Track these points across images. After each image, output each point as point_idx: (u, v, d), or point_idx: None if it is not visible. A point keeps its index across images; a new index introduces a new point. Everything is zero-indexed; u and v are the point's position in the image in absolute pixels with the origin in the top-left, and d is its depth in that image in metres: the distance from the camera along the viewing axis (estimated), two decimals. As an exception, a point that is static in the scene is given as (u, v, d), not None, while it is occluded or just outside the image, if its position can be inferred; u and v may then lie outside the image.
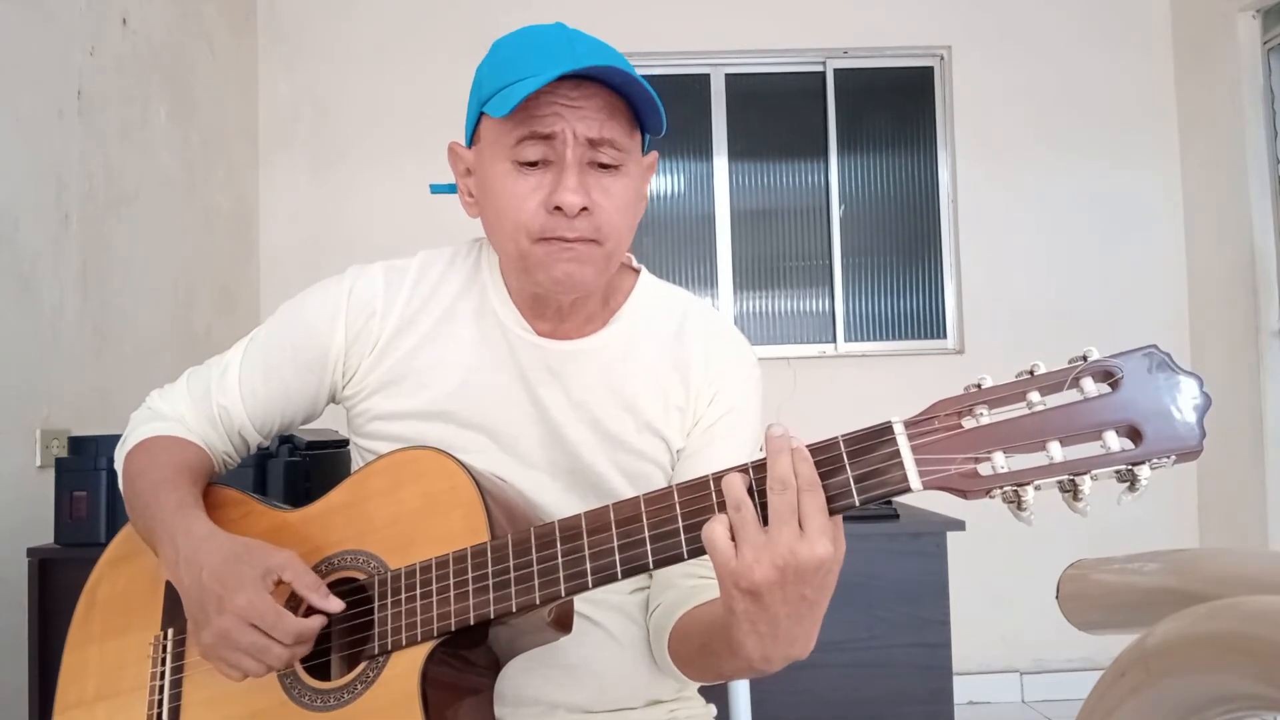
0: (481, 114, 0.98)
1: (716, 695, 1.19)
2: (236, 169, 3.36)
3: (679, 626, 0.98)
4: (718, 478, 0.79)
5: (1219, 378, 3.33)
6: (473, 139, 1.01)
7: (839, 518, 0.75)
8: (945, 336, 3.65)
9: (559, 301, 1.02)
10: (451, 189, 1.08)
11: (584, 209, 0.93)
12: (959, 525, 1.82)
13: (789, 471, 0.74)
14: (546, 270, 0.96)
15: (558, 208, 0.93)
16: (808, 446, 0.76)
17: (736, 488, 0.75)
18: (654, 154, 1.06)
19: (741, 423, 1.07)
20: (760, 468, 0.77)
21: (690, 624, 0.97)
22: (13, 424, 2.06)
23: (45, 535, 1.77)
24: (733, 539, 0.74)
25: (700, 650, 0.93)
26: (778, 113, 3.71)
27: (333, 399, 1.10)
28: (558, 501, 1.02)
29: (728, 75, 3.68)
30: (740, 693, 1.32)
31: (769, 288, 3.68)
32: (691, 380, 1.06)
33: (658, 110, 0.95)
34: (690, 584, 1.00)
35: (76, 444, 1.79)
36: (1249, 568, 0.78)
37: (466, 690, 0.90)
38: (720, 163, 3.68)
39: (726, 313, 3.63)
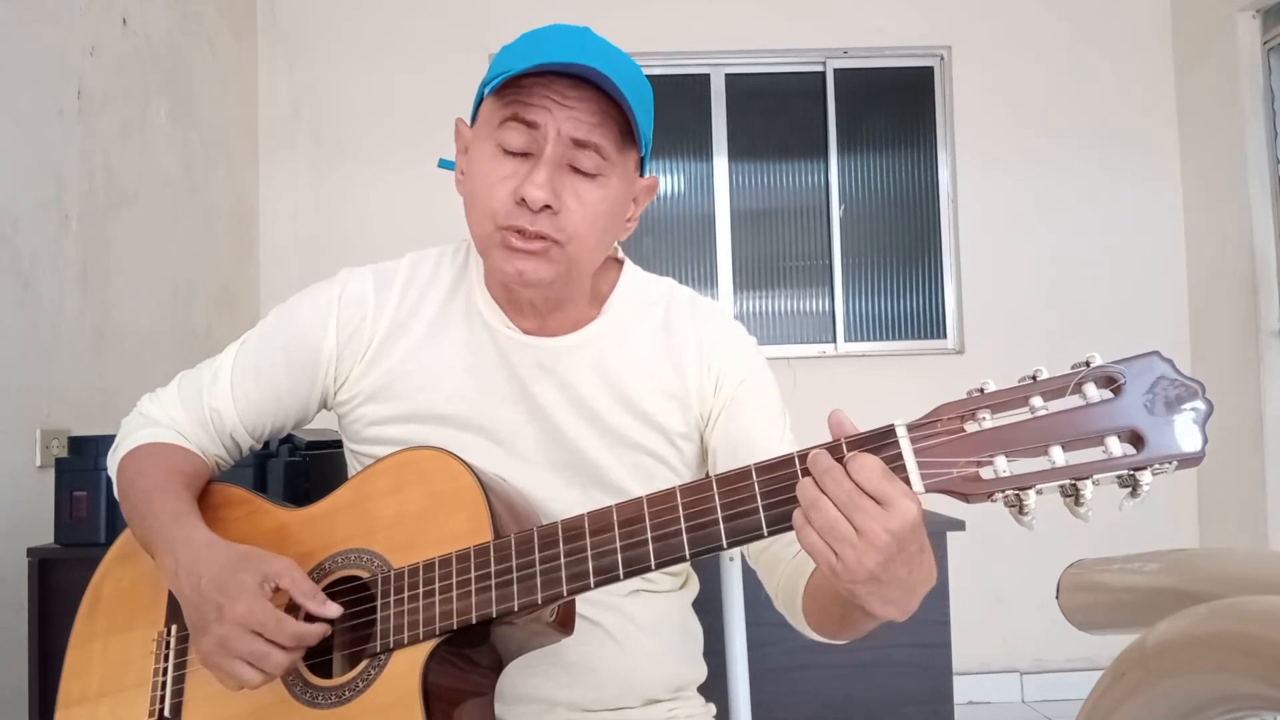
0: (484, 96, 0.98)
1: (716, 695, 1.19)
2: (236, 169, 3.36)
3: (808, 603, 0.96)
4: (720, 478, 0.79)
5: (1219, 378, 3.33)
6: (475, 117, 1.02)
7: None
8: (945, 336, 3.66)
9: (530, 297, 1.02)
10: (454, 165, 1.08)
11: (548, 207, 0.93)
12: (959, 525, 1.82)
13: (829, 459, 0.73)
14: (500, 263, 0.97)
15: (523, 199, 0.93)
16: (811, 448, 0.76)
17: (809, 490, 0.73)
18: (654, 179, 1.06)
19: (760, 388, 1.07)
20: (773, 467, 0.77)
21: (818, 601, 0.94)
22: (13, 424, 2.06)
23: (45, 535, 1.77)
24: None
25: (841, 623, 0.92)
26: (778, 113, 3.71)
27: (324, 405, 1.10)
28: (560, 498, 1.02)
29: (728, 75, 3.68)
30: (740, 693, 1.32)
31: (769, 288, 3.68)
32: (686, 367, 1.06)
33: (645, 120, 0.96)
34: (792, 551, 0.99)
35: (76, 444, 1.79)
36: (1249, 568, 0.78)
37: (468, 689, 0.90)
38: (720, 163, 3.68)
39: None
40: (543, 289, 0.99)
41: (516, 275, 0.96)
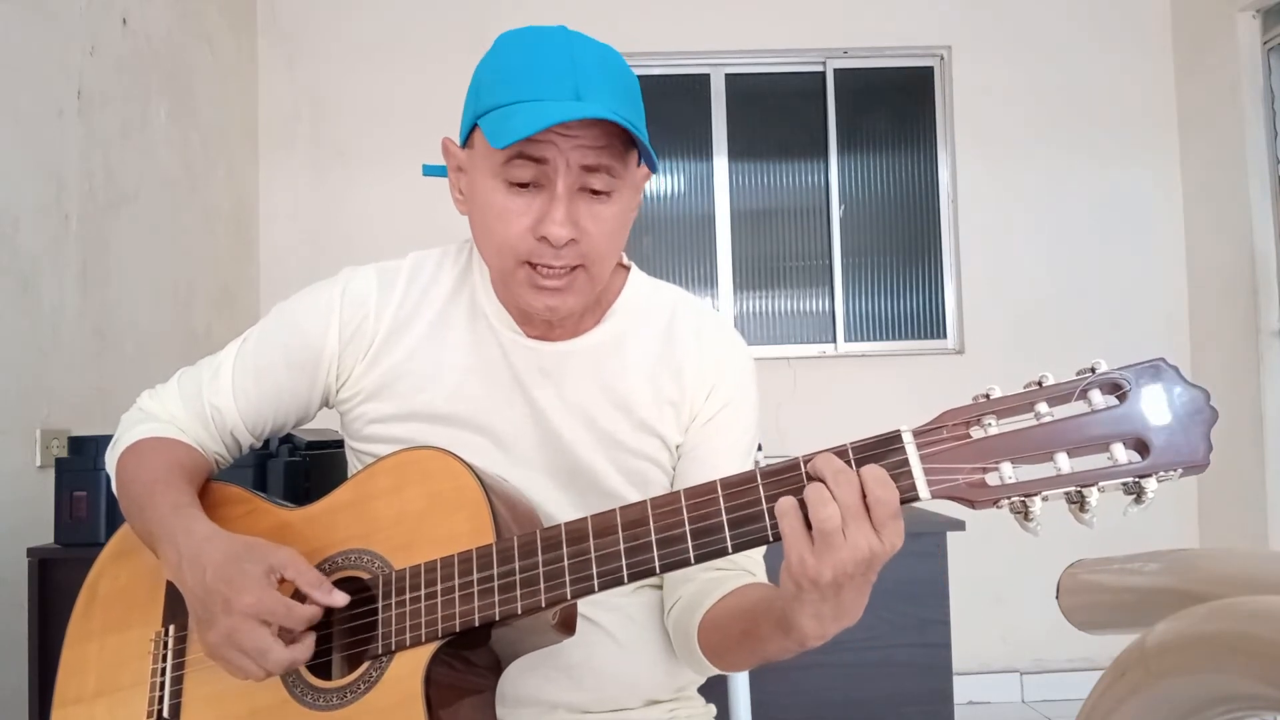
0: (476, 125, 0.96)
1: (716, 695, 1.19)
2: (236, 169, 3.36)
3: (710, 617, 0.97)
4: (725, 483, 0.79)
5: (1219, 378, 3.33)
6: (467, 140, 1.00)
7: None
8: (945, 336, 3.66)
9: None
10: (443, 171, 1.07)
11: (571, 240, 0.93)
12: (959, 525, 1.82)
13: (842, 462, 0.74)
14: (528, 300, 0.97)
15: (544, 237, 0.92)
16: (816, 453, 0.76)
17: (823, 495, 0.73)
18: (646, 170, 1.05)
19: (739, 416, 1.07)
20: (778, 472, 0.77)
21: (723, 614, 0.96)
22: (13, 424, 2.06)
23: (45, 535, 1.77)
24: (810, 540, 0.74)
25: (742, 637, 0.93)
26: (778, 113, 3.71)
27: (326, 403, 1.09)
28: (555, 501, 1.02)
29: (728, 75, 3.68)
30: (740, 693, 1.32)
31: (769, 288, 3.68)
32: (685, 375, 1.06)
33: (643, 122, 0.95)
34: (709, 576, 1.00)
35: (76, 444, 1.79)
36: (1249, 568, 0.78)
37: (469, 691, 0.90)
38: (720, 163, 3.68)
39: (726, 313, 3.63)
40: (570, 314, 1.00)
41: (547, 311, 0.97)
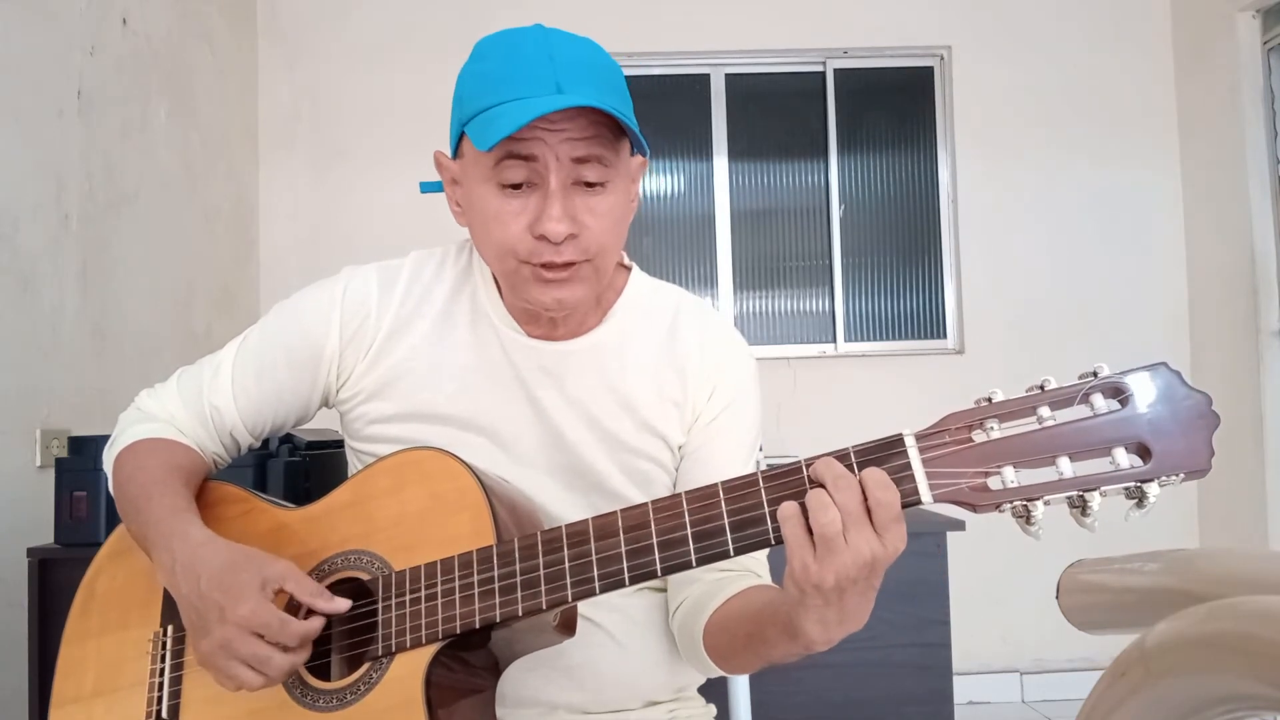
0: (464, 133, 0.96)
1: (716, 695, 1.19)
2: (236, 169, 3.36)
3: (715, 620, 0.97)
4: (727, 486, 0.79)
5: (1219, 378, 3.33)
6: (457, 150, 1.00)
7: None
8: (945, 336, 3.65)
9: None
10: (440, 187, 1.07)
11: (570, 235, 0.93)
12: (959, 525, 1.82)
13: (842, 467, 0.74)
14: (535, 295, 0.96)
15: (543, 235, 0.92)
16: (817, 456, 0.76)
17: (824, 500, 0.73)
18: (641, 158, 1.05)
19: (741, 418, 1.07)
20: (779, 475, 0.77)
21: (729, 617, 0.96)
22: (13, 424, 2.06)
23: (45, 535, 1.77)
24: (812, 545, 0.74)
25: (748, 640, 0.93)
26: (778, 113, 3.71)
27: (326, 402, 1.09)
28: (559, 501, 1.02)
29: (728, 75, 3.68)
30: (740, 693, 1.32)
31: (769, 288, 3.68)
32: (688, 375, 1.06)
33: (629, 108, 0.95)
34: (714, 577, 1.00)
35: (76, 444, 1.79)
36: (1249, 568, 0.78)
37: (469, 692, 0.90)
38: (720, 163, 3.68)
39: (726, 313, 3.63)
40: (579, 307, 0.99)
41: (556, 304, 0.96)
